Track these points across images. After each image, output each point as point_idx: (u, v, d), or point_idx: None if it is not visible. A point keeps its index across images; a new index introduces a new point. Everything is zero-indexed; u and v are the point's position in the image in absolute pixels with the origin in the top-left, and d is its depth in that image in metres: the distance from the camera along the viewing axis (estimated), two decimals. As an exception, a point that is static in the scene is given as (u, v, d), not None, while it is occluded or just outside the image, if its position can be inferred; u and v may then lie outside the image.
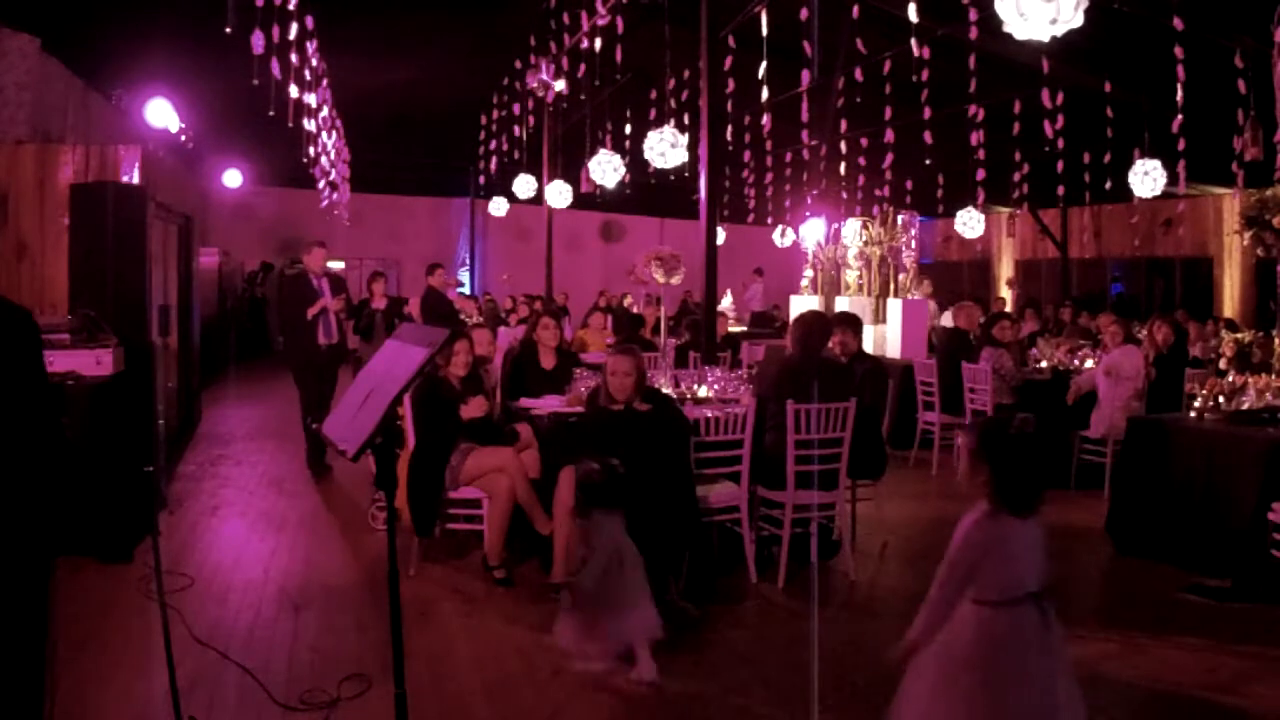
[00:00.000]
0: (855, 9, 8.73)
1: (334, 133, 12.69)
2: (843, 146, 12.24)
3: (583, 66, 10.39)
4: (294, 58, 7.75)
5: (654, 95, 11.52)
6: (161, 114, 10.32)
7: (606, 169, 10.85)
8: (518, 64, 11.71)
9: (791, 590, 5.32)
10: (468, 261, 21.69)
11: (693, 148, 9.01)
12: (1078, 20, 4.81)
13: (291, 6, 6.93)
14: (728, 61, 8.50)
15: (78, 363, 5.64)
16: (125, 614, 4.75)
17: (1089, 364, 8.55)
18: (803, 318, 5.97)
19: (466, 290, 19.27)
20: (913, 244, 11.31)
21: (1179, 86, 7.57)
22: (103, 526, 5.45)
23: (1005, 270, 20.04)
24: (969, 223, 13.41)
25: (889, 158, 10.82)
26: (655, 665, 4.08)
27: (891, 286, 11.36)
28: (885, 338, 11.11)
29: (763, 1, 8.16)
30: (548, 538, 5.25)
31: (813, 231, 12.99)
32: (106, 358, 5.78)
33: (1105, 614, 5.36)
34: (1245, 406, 5.83)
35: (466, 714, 3.84)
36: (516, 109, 12.77)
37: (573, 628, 4.20)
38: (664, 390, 6.07)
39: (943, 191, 13.31)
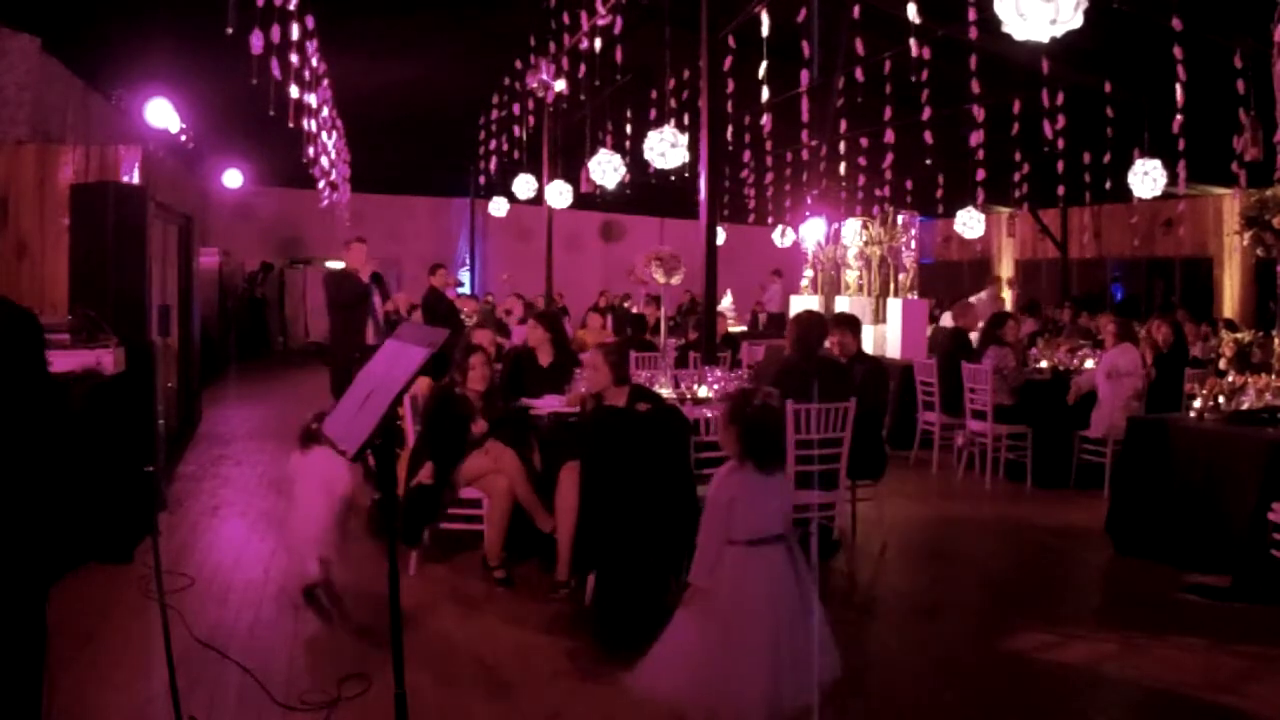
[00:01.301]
0: (855, 9, 8.72)
1: (334, 133, 12.68)
2: (843, 146, 12.23)
3: (583, 66, 10.38)
4: (294, 58, 7.74)
5: (654, 95, 11.52)
6: (161, 114, 10.31)
7: (606, 169, 10.84)
8: (518, 64, 11.70)
9: (791, 590, 5.32)
10: (468, 261, 21.69)
11: (693, 148, 9.00)
12: (1077, 20, 4.81)
13: (291, 6, 6.92)
14: (728, 61, 8.49)
15: (78, 362, 5.64)
16: (125, 614, 4.75)
17: (1089, 364, 8.55)
18: (798, 318, 5.98)
19: (466, 290, 19.26)
20: (913, 244, 11.32)
21: (1179, 86, 7.56)
22: (103, 526, 5.46)
23: (1005, 270, 20.03)
24: (969, 223, 13.40)
25: (889, 158, 10.81)
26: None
27: (891, 286, 11.36)
28: (885, 338, 11.12)
29: (763, 1, 8.15)
30: (548, 536, 5.26)
31: (813, 231, 13.00)
32: (107, 358, 5.78)
33: (1105, 614, 5.37)
34: (1245, 406, 5.83)
35: (466, 714, 3.84)
36: (516, 109, 12.75)
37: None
38: (663, 390, 6.08)
39: (943, 191, 13.29)
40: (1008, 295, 17.87)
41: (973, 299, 11.95)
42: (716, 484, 3.38)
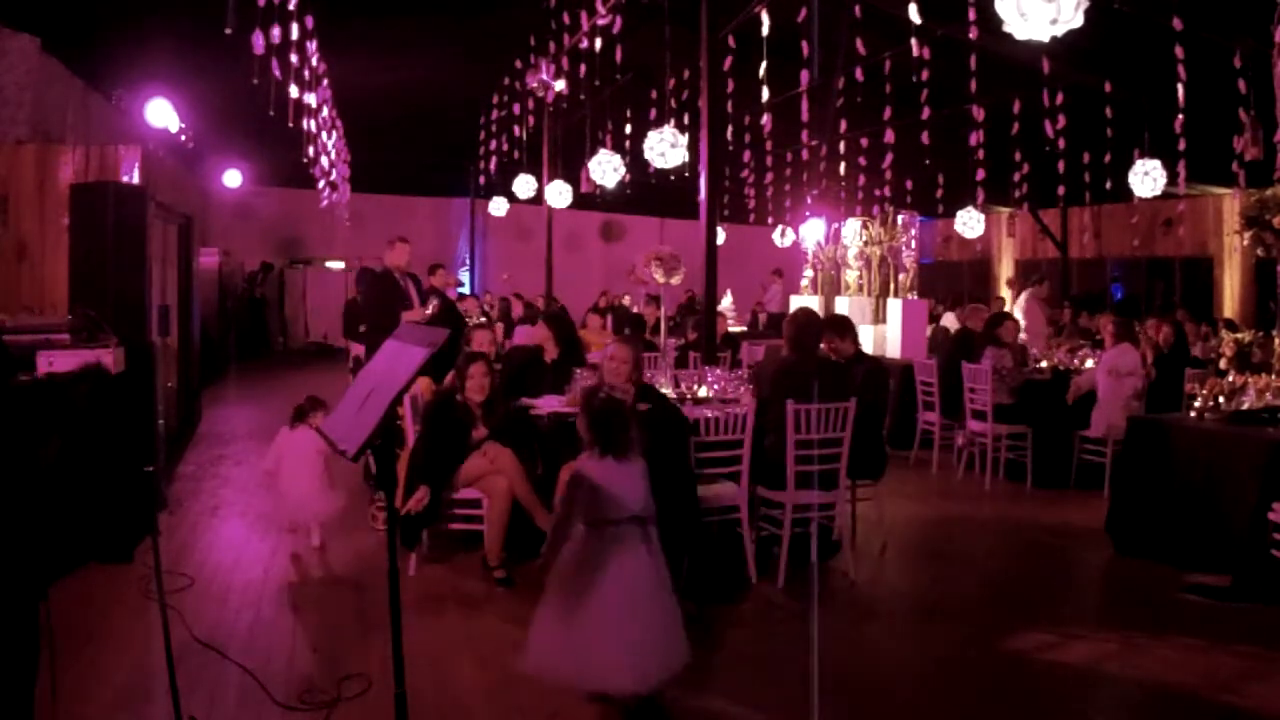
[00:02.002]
0: (855, 9, 8.72)
1: (334, 133, 12.68)
2: (843, 146, 12.23)
3: (583, 66, 10.38)
4: (294, 58, 7.74)
5: (654, 95, 11.51)
6: (161, 114, 10.31)
7: (606, 169, 10.84)
8: (518, 64, 11.70)
9: (791, 590, 5.32)
10: (468, 261, 21.68)
11: (693, 148, 9.00)
12: (1078, 20, 4.80)
13: (291, 6, 6.92)
14: (728, 61, 8.49)
15: (78, 362, 5.63)
16: (125, 614, 4.76)
17: (1089, 364, 8.55)
18: (793, 318, 5.96)
19: (466, 290, 19.26)
20: (913, 244, 11.32)
21: (1179, 86, 7.56)
22: (103, 526, 5.45)
23: (1005, 270, 20.02)
24: (969, 223, 13.39)
25: (889, 158, 10.80)
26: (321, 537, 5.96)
27: (891, 286, 11.36)
28: (885, 338, 11.12)
29: (763, 1, 8.15)
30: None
31: (813, 231, 12.99)
32: (107, 358, 5.77)
33: (1105, 614, 5.38)
34: (1245, 406, 5.83)
35: (466, 714, 3.85)
36: (516, 109, 12.76)
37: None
38: (664, 390, 6.08)
39: (943, 191, 13.27)
40: (1007, 295, 17.85)
41: (1018, 309, 11.75)
42: (575, 470, 3.72)
